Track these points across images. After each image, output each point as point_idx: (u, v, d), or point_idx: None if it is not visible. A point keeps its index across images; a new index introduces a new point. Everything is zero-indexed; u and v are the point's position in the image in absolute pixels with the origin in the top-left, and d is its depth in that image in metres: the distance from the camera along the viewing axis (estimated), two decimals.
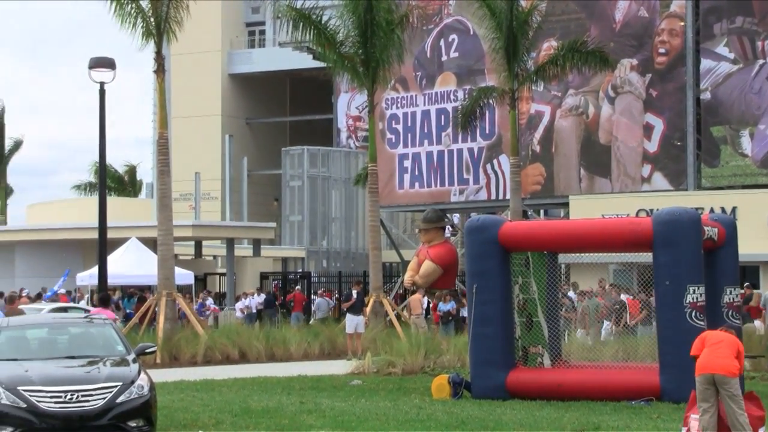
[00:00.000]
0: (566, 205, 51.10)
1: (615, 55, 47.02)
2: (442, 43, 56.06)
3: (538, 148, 52.71)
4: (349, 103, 73.43)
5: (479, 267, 21.63)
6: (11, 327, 17.15)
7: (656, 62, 49.77)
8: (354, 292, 34.69)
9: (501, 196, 53.21)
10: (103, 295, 26.80)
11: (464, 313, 35.05)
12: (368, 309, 36.66)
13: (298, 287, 50.37)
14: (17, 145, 74.00)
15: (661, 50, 49.57)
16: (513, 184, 43.67)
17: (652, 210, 38.72)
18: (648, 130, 49.93)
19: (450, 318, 38.25)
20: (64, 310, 30.86)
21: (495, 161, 54.28)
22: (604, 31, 50.27)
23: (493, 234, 21.37)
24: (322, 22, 39.79)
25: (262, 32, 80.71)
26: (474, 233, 21.89)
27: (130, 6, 34.10)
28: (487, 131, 53.41)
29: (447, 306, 38.47)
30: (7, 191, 78.26)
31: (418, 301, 37.56)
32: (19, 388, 14.78)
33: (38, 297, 43.59)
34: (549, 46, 48.90)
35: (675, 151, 49.47)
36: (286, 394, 22.40)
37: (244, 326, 38.50)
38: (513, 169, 43.83)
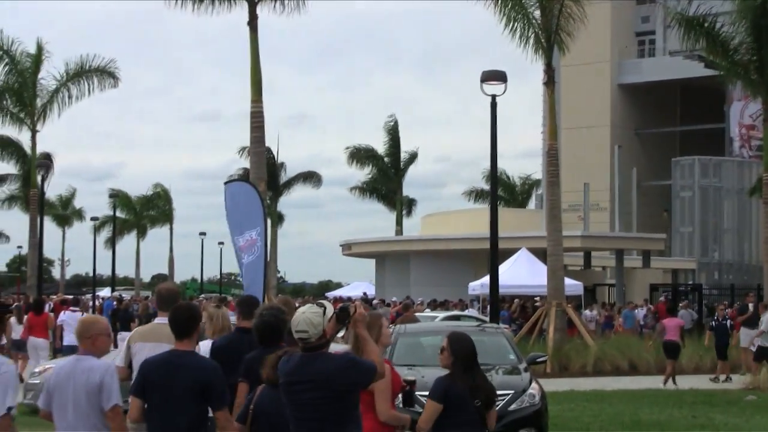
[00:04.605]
0: None
1: None
2: None
3: None
4: (742, 111, 71.44)
5: None
6: (407, 334, 17.77)
7: None
8: (749, 306, 33.71)
9: None
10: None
11: None
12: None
13: (661, 298, 49.52)
14: (412, 157, 76.29)
15: None
16: None
17: None
18: None
19: None
20: (457, 318, 31.56)
21: None
22: None
23: None
24: (715, 29, 38.92)
25: (652, 41, 79.72)
26: None
27: (521, 20, 34.58)
28: None
29: None
30: (410, 203, 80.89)
31: None
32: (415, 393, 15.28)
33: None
34: None
35: None
36: (677, 408, 22.08)
37: (634, 338, 38.20)
38: None
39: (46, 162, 49.20)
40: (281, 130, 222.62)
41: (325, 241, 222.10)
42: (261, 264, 21.59)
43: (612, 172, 73.96)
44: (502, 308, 43.89)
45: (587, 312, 44.32)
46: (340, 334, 9.31)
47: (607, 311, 46.77)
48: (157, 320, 10.52)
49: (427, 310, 41.47)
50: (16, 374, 7.86)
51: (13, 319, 29.78)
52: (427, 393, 15.23)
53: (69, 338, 27.94)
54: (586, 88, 74.22)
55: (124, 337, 28.80)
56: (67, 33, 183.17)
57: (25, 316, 28.11)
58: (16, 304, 36.40)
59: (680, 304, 47.16)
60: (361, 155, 75.08)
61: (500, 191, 78.49)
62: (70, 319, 28.46)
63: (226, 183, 20.74)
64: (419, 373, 15.90)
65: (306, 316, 7.68)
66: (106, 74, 49.63)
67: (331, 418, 7.62)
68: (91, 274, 78.67)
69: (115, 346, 28.71)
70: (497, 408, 15.30)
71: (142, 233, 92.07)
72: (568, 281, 37.94)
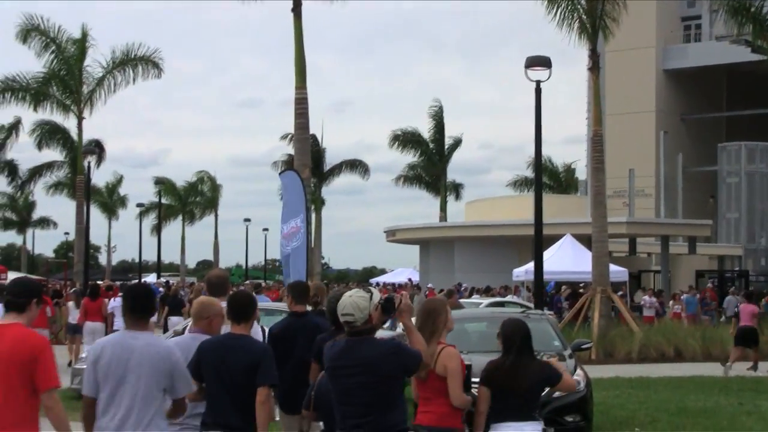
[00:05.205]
0: None
1: None
2: None
3: None
4: None
5: None
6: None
7: None
8: None
9: None
10: None
11: None
12: None
13: (708, 284, 49.26)
14: (456, 144, 76.10)
15: None
16: None
17: None
18: None
19: None
20: (501, 305, 31.53)
21: None
22: None
23: None
24: (761, 13, 38.57)
25: (698, 26, 79.10)
26: None
27: (566, 5, 34.40)
28: None
29: None
30: (456, 189, 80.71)
31: None
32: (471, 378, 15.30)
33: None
34: None
35: None
36: (723, 395, 21.97)
37: (680, 324, 38.03)
38: None
39: (93, 149, 49.59)
40: (324, 117, 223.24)
41: (369, 228, 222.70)
42: (304, 250, 21.73)
43: (657, 158, 73.50)
44: (556, 295, 43.93)
45: (646, 298, 43.91)
46: (386, 325, 9.39)
47: (659, 299, 46.35)
48: None
49: (476, 296, 41.48)
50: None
51: (70, 304, 30.33)
52: (477, 379, 15.32)
53: (118, 324, 28.23)
54: (632, 74, 73.78)
55: (174, 323, 29.06)
56: (111, 20, 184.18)
57: (81, 302, 28.74)
58: (74, 289, 36.85)
59: (730, 290, 46.82)
60: (405, 139, 75.00)
61: (545, 177, 78.24)
62: (120, 305, 28.68)
63: (280, 173, 20.90)
64: (466, 359, 15.94)
65: (353, 300, 7.74)
66: (150, 63, 49.93)
67: (375, 402, 7.67)
68: (136, 260, 79.27)
69: (164, 331, 28.96)
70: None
71: (189, 219, 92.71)
72: (612, 267, 37.77)
